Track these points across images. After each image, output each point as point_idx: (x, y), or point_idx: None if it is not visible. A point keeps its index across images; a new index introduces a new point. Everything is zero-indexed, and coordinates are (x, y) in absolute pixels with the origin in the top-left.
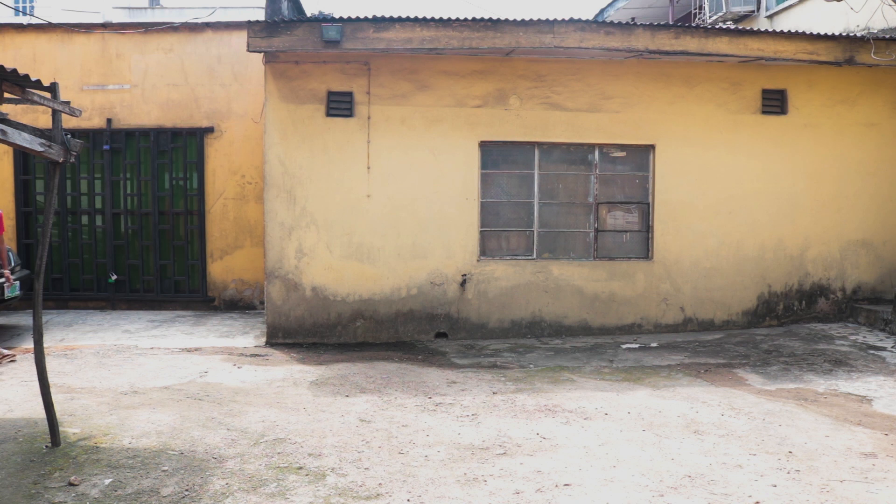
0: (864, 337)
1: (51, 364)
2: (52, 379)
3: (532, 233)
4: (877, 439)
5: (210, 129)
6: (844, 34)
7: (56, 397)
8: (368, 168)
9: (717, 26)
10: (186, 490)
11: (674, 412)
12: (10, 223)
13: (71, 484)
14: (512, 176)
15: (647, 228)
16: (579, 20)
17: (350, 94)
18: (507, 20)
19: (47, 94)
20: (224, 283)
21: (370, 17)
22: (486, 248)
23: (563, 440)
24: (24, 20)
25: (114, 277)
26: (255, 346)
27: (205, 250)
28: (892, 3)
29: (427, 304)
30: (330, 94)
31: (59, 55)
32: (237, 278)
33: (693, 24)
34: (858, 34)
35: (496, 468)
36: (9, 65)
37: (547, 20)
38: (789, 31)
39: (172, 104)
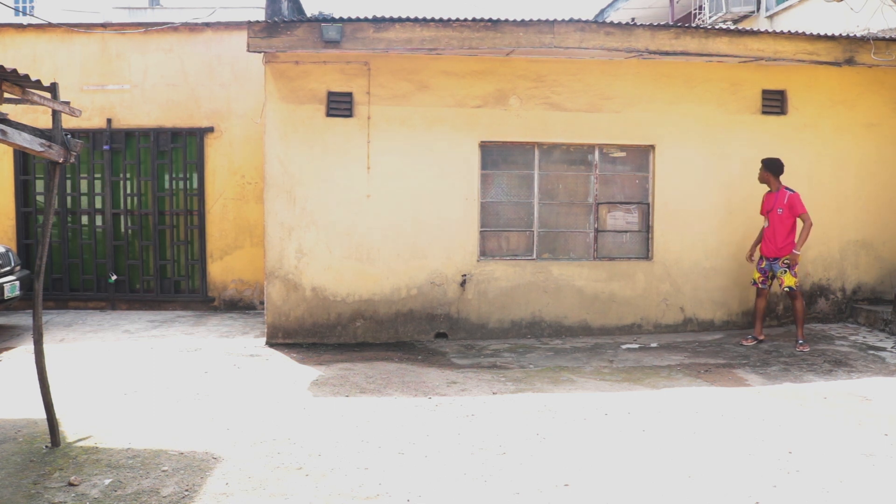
0: (864, 337)
1: (51, 364)
2: (52, 379)
3: (532, 233)
4: (877, 439)
5: (210, 129)
6: (844, 34)
7: (56, 397)
8: (368, 168)
9: (716, 26)
10: (186, 490)
11: (673, 412)
12: (10, 223)
13: (71, 484)
14: (512, 176)
15: (647, 228)
16: (579, 20)
17: (350, 94)
18: (506, 20)
19: (47, 94)
20: (224, 284)
21: (370, 17)
22: (486, 249)
23: (563, 440)
24: (24, 20)
25: (114, 277)
26: (255, 346)
27: (205, 250)
28: (892, 4)
29: (427, 305)
30: (330, 94)
31: (59, 55)
32: (237, 278)
33: (693, 25)
34: (858, 34)
35: (496, 468)
36: (9, 65)
37: (547, 20)
38: (789, 31)
39: (172, 104)
